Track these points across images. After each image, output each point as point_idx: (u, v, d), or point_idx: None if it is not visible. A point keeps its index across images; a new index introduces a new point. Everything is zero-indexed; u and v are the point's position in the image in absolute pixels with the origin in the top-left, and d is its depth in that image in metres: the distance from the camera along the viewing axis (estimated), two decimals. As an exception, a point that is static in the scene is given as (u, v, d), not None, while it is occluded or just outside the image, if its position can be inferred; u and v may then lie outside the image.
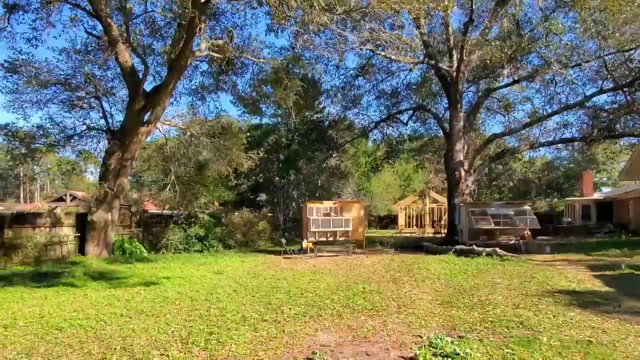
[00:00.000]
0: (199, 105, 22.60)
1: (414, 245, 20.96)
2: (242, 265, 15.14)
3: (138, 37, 18.89)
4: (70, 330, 6.93)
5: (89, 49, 18.95)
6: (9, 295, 9.75)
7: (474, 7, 20.20)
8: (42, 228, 15.96)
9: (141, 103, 17.10)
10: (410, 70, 24.13)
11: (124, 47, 16.64)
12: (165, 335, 6.54)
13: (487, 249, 15.73)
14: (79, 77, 18.94)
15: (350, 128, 28.93)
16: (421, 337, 6.25)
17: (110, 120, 19.08)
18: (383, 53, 21.10)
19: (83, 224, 16.95)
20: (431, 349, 5.57)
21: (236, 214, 24.46)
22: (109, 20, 16.20)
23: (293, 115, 24.84)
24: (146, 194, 26.63)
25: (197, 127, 20.75)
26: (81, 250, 16.67)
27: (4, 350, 6.00)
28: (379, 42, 19.62)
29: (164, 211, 22.95)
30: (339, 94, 26.73)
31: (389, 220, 42.76)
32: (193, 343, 6.16)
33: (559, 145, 27.90)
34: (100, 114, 19.17)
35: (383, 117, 27.49)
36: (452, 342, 5.74)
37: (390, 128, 28.83)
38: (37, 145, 18.95)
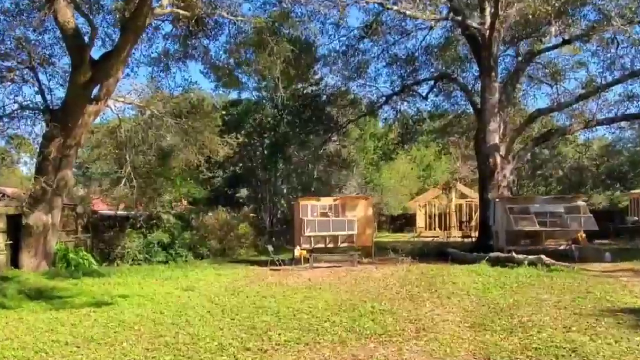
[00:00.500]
0: (161, 77, 22.53)
1: (437, 253, 21.03)
2: (218, 280, 15.17)
3: (82, -11, 18.77)
4: (0, 364, 6.95)
5: (20, 7, 18.73)
6: None
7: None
8: (-40, 235, 15.94)
9: (87, 74, 16.96)
10: (431, 28, 24.09)
11: (65, 4, 16.48)
12: (122, 370, 6.58)
13: (530, 257, 15.78)
14: (8, 42, 18.75)
15: (354, 104, 28.89)
16: (446, 369, 6.29)
17: (48, 97, 18.99)
18: (395, 7, 21.00)
19: (16, 229, 16.89)
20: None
21: (210, 214, 24.49)
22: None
23: (281, 89, 24.70)
24: (95, 190, 26.61)
25: (160, 104, 20.67)
26: (14, 262, 16.62)
27: None
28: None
29: (119, 212, 22.90)
30: (339, 61, 26.57)
31: (405, 221, 42.86)
32: (157, 379, 6.20)
33: (622, 124, 27.96)
34: (36, 89, 19.10)
35: (396, 89, 27.45)
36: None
37: (406, 103, 28.86)
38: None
